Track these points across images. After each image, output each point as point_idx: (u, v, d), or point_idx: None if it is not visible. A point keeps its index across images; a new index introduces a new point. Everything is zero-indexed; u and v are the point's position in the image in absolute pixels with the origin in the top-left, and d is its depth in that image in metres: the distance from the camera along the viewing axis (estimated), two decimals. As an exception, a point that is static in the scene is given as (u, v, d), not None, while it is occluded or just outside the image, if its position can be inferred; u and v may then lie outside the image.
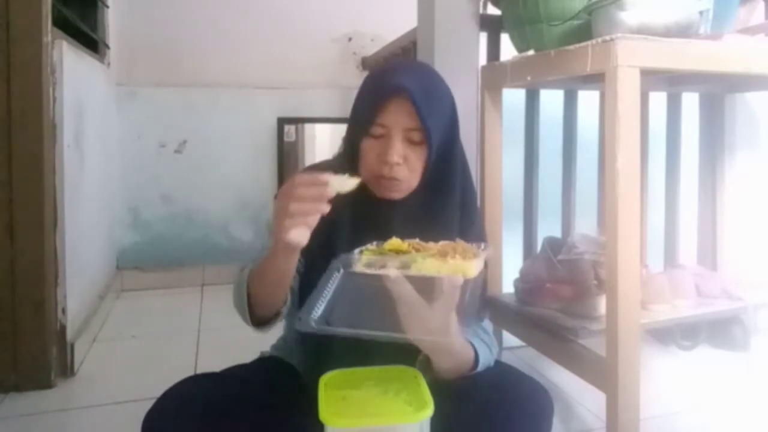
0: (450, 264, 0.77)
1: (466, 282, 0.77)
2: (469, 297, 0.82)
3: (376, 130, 0.94)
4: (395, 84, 0.92)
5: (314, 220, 0.78)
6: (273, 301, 0.90)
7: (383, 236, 0.86)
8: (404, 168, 0.94)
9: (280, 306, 0.92)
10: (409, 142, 0.94)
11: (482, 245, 0.86)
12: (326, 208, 0.78)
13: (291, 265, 0.85)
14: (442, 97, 0.97)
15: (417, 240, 0.85)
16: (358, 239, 0.89)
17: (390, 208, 0.98)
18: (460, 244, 0.83)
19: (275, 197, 0.98)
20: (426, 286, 0.78)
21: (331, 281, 0.82)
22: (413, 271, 0.77)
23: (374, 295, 0.80)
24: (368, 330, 0.77)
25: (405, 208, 0.98)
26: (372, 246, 0.86)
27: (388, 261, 0.79)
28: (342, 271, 0.82)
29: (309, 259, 0.94)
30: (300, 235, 0.78)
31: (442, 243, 0.83)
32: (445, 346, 0.85)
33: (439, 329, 0.80)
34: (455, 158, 1.00)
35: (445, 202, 0.99)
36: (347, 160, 0.99)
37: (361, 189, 0.96)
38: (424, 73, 1.00)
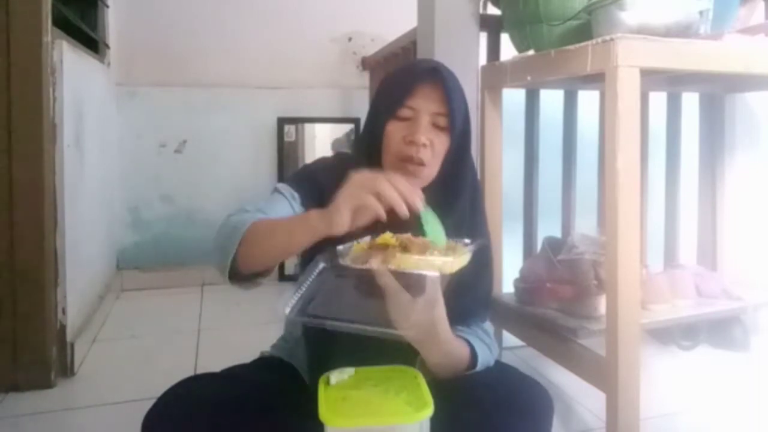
0: (428, 260, 0.79)
1: (444, 277, 0.79)
2: (469, 293, 0.83)
3: (405, 113, 0.96)
4: (429, 69, 0.97)
5: (371, 215, 0.78)
6: (262, 263, 0.88)
7: (396, 228, 0.86)
8: (429, 151, 0.96)
9: (264, 273, 0.91)
10: (435, 126, 0.96)
11: (468, 241, 0.86)
12: (403, 211, 0.78)
13: (304, 242, 0.83)
14: (461, 91, 1.01)
15: (409, 234, 0.85)
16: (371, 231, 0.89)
17: None
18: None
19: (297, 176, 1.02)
20: (410, 281, 0.80)
21: (312, 274, 0.83)
22: (392, 267, 0.79)
23: (351, 288, 0.82)
24: (344, 322, 0.79)
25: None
26: (365, 240, 0.86)
27: (371, 256, 0.80)
28: (322, 264, 0.83)
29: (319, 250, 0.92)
30: (351, 217, 0.78)
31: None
32: (430, 337, 0.86)
33: (423, 322, 0.82)
34: (468, 155, 1.04)
35: (458, 197, 1.01)
36: (366, 146, 1.01)
37: None
38: (448, 68, 1.03)
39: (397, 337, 0.81)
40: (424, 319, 0.82)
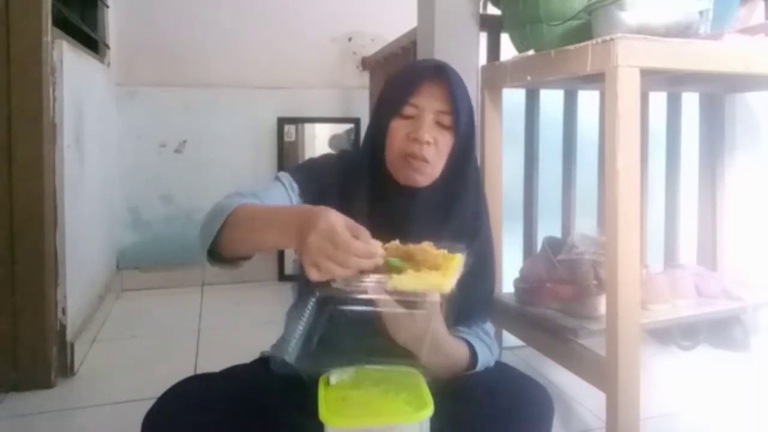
0: (425, 280, 0.75)
1: (443, 295, 0.77)
2: (470, 294, 0.82)
3: (409, 111, 0.96)
4: (434, 67, 0.97)
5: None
6: (241, 249, 0.87)
7: (399, 229, 0.85)
8: (433, 149, 0.96)
9: (242, 260, 0.90)
10: (439, 125, 0.96)
11: (462, 246, 0.82)
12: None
13: (277, 246, 0.83)
14: (465, 90, 1.01)
15: (396, 241, 0.81)
16: (374, 231, 0.88)
17: (409, 198, 0.98)
18: (432, 251, 0.80)
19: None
20: (407, 301, 0.78)
21: (307, 308, 0.81)
22: (389, 288, 0.75)
23: (349, 315, 0.77)
24: (346, 358, 0.79)
25: (423, 201, 0.99)
26: None
27: (364, 277, 0.75)
28: (316, 295, 0.80)
29: None
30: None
31: (423, 245, 0.80)
32: (432, 352, 0.86)
33: (423, 334, 0.82)
34: (472, 154, 1.03)
35: (461, 196, 1.01)
36: (370, 144, 1.01)
37: (382, 178, 0.98)
38: (452, 67, 1.02)
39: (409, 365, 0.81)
40: (424, 332, 0.82)
